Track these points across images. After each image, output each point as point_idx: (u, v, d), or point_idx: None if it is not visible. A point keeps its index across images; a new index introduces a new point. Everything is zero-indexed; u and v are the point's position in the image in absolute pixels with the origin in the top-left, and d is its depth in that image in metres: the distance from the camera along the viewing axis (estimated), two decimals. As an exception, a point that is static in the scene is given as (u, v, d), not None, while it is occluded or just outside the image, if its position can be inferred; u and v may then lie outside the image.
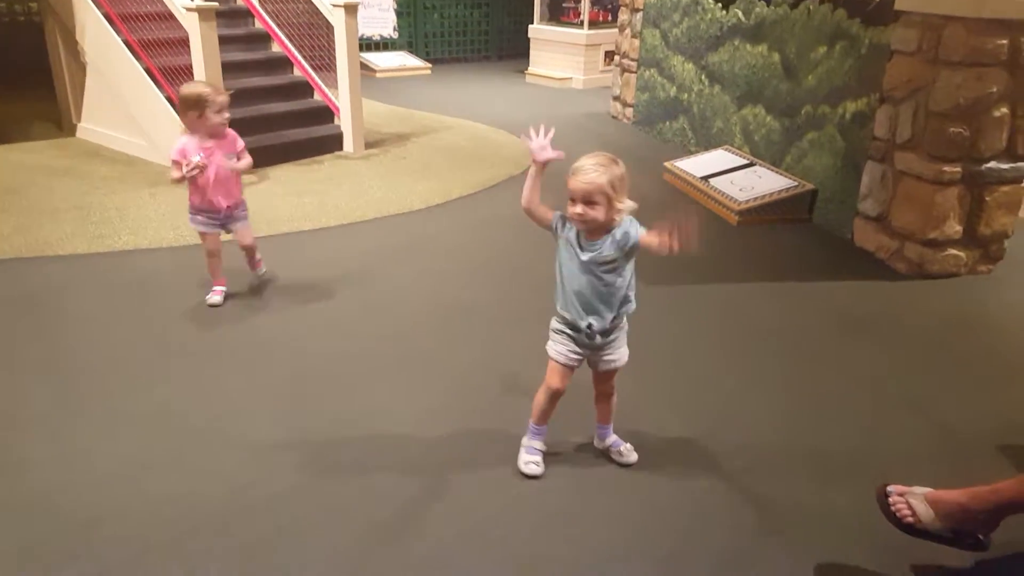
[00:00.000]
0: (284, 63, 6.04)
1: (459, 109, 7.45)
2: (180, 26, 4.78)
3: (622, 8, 7.10)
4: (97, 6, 5.15)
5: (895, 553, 1.91)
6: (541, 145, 1.95)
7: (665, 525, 2.01)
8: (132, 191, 4.64)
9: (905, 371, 2.87)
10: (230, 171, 3.02)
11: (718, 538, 1.97)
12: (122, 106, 5.32)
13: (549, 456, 2.25)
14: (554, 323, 2.10)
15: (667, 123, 6.37)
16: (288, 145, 5.46)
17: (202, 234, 3.11)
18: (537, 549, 1.92)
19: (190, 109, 2.90)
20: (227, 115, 2.97)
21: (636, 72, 6.77)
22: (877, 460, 2.32)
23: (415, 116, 7.16)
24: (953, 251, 3.71)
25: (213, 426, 2.38)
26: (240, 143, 3.09)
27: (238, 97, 5.23)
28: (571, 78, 9.12)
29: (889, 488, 1.89)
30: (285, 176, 5.09)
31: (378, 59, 9.63)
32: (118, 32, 5.13)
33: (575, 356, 2.07)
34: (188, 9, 4.60)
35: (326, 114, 5.86)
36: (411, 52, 10.20)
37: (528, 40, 9.61)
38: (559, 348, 2.08)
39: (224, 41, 5.02)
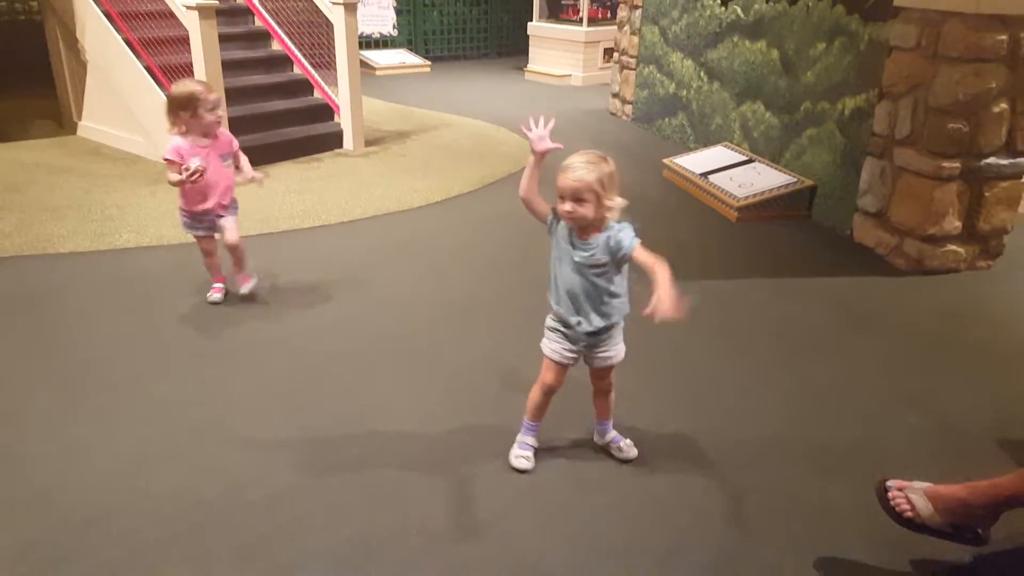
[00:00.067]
0: (284, 61, 6.04)
1: (459, 106, 7.45)
2: (180, 24, 4.78)
3: (621, 5, 7.09)
4: (97, 4, 5.15)
5: (894, 547, 1.92)
6: (540, 135, 1.95)
7: (664, 521, 2.02)
8: (133, 189, 4.64)
9: (904, 366, 2.88)
10: (226, 171, 2.98)
11: (717, 534, 1.98)
12: (123, 104, 5.32)
13: (548, 452, 2.26)
14: (549, 320, 2.11)
15: (666, 120, 6.37)
16: (288, 143, 5.46)
17: (195, 236, 3.10)
18: (536, 545, 1.92)
19: (182, 109, 2.83)
20: (220, 112, 2.92)
21: (635, 69, 6.77)
22: (876, 455, 2.33)
23: (415, 114, 7.16)
24: (952, 247, 3.72)
25: (213, 424, 2.39)
26: (235, 143, 3.05)
27: (238, 95, 5.29)
28: (570, 75, 9.11)
29: (888, 483, 1.90)
30: (285, 174, 5.09)
31: (378, 57, 9.63)
32: (118, 30, 5.13)
33: (569, 354, 2.08)
34: (188, 7, 4.60)
35: (326, 112, 5.86)
36: (411, 50, 10.19)
37: (527, 37, 9.60)
38: (553, 346, 2.09)
39: (224, 39, 5.02)
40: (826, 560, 1.90)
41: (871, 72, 3.94)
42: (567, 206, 1.91)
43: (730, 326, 3.18)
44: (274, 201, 4.51)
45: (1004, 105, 3.49)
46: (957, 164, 3.55)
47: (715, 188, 4.70)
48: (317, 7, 5.64)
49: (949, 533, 1.83)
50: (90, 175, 4.92)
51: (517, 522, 2.00)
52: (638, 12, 6.62)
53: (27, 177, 4.83)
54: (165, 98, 2.90)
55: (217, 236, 3.12)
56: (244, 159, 3.11)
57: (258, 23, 6.13)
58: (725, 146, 5.33)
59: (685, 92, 6.03)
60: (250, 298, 3.20)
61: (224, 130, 3.01)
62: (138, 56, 5.07)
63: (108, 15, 5.15)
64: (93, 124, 5.74)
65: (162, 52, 5.07)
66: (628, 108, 7.03)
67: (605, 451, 2.28)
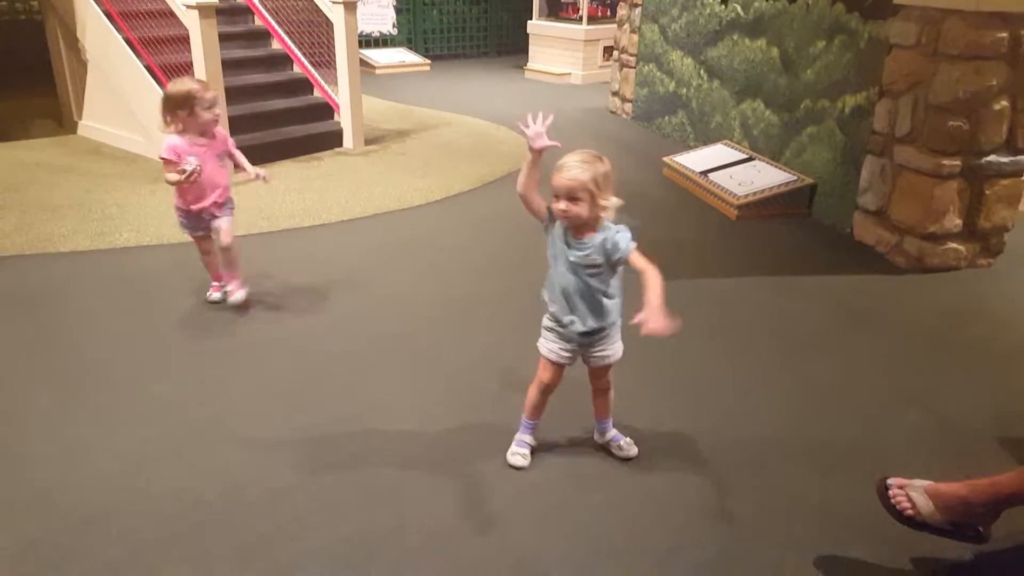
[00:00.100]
0: (284, 60, 6.04)
1: (458, 105, 7.44)
2: (180, 23, 4.78)
3: (621, 3, 7.08)
4: (98, 4, 5.16)
5: (895, 545, 1.92)
6: (537, 133, 1.94)
7: (663, 520, 2.02)
8: (133, 188, 4.64)
9: (904, 364, 2.88)
10: (221, 169, 2.96)
11: (716, 532, 1.98)
12: (123, 103, 5.32)
13: (547, 451, 2.26)
14: (545, 320, 2.11)
15: (666, 118, 6.36)
16: (288, 142, 5.46)
17: (192, 236, 3.08)
18: (535, 544, 1.92)
19: (179, 107, 2.80)
20: (217, 111, 2.89)
21: (635, 67, 6.77)
22: (876, 453, 2.33)
23: (414, 112, 7.16)
24: (953, 245, 3.71)
25: (213, 423, 2.39)
26: (231, 142, 3.02)
27: (238, 94, 5.28)
28: (570, 74, 9.10)
29: (889, 481, 1.90)
30: (285, 172, 5.09)
31: (377, 56, 9.62)
32: (119, 30, 5.13)
33: (564, 354, 2.09)
34: (188, 7, 4.60)
35: (326, 111, 5.86)
36: (410, 48, 10.18)
37: (527, 36, 9.59)
38: (549, 345, 2.10)
39: (224, 38, 5.02)
40: (826, 558, 1.90)
41: (871, 70, 3.94)
42: (561, 205, 1.91)
43: (730, 324, 3.18)
44: (274, 200, 4.51)
45: (1004, 103, 3.49)
46: (957, 162, 3.55)
47: (715, 186, 4.70)
48: (317, 6, 5.64)
49: (950, 531, 1.82)
50: (90, 174, 4.92)
51: (516, 521, 2.00)
52: (638, 10, 6.62)
53: (27, 176, 4.83)
54: (161, 96, 2.85)
55: (213, 236, 3.11)
56: (242, 157, 3.09)
57: (258, 22, 6.12)
58: (725, 144, 5.32)
59: (685, 90, 6.03)
60: (243, 307, 3.12)
61: (220, 129, 2.99)
62: (138, 55, 5.07)
63: (108, 14, 5.15)
64: (93, 123, 5.74)
65: (162, 51, 5.07)
66: (628, 106, 7.02)
67: (605, 450, 2.28)
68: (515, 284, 3.46)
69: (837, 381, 2.74)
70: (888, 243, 3.88)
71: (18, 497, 2.04)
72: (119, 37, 5.11)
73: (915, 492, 1.85)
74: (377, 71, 9.30)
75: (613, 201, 1.94)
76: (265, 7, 6.00)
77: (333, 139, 5.74)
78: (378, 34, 10.02)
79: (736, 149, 5.17)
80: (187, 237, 3.18)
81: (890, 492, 1.87)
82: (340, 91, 5.67)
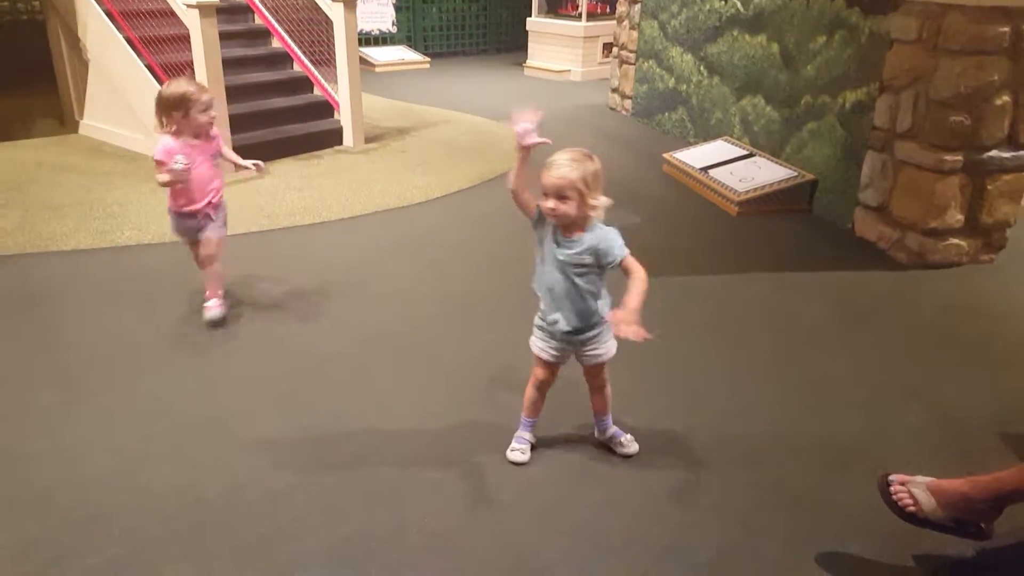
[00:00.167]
0: (284, 59, 6.04)
1: (458, 103, 7.43)
2: (181, 23, 4.78)
3: (620, 0, 7.07)
4: (99, 4, 5.16)
5: (896, 542, 1.91)
6: (526, 130, 1.90)
7: (662, 517, 2.02)
8: (134, 187, 4.64)
9: (906, 360, 2.88)
10: (216, 170, 2.92)
11: (716, 529, 1.98)
12: (124, 102, 5.33)
13: (547, 449, 2.26)
14: (536, 319, 2.12)
15: (666, 114, 6.35)
16: (288, 140, 5.46)
17: (186, 242, 3.02)
18: (535, 541, 1.92)
19: (174, 109, 2.75)
20: (213, 113, 2.85)
21: (635, 64, 6.75)
22: (878, 449, 2.32)
23: (414, 110, 7.15)
24: (954, 240, 3.70)
25: (214, 422, 2.39)
26: (219, 142, 2.95)
27: (239, 93, 5.28)
28: (569, 70, 9.09)
29: (891, 477, 1.89)
30: (285, 171, 5.09)
31: (377, 54, 9.61)
32: (120, 29, 5.14)
33: (553, 351, 2.10)
34: (189, 6, 4.60)
35: (326, 109, 5.86)
36: (410, 46, 10.17)
37: (526, 33, 9.58)
38: (540, 344, 2.11)
39: (224, 37, 5.01)
40: (827, 555, 1.89)
41: (872, 65, 3.93)
42: (550, 203, 1.91)
43: (730, 321, 3.17)
44: (275, 198, 4.51)
45: (1006, 98, 3.48)
46: (959, 157, 3.54)
47: (715, 183, 4.69)
48: (316, 4, 5.63)
49: (952, 527, 1.82)
50: (92, 173, 4.92)
51: (516, 518, 2.00)
52: (637, 7, 6.60)
53: (29, 175, 4.83)
54: (156, 97, 2.80)
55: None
56: (232, 154, 3.04)
57: (258, 21, 6.12)
58: (725, 140, 5.31)
59: (685, 86, 6.01)
60: (255, 289, 3.10)
61: (216, 130, 2.94)
62: (139, 55, 5.08)
63: (109, 14, 5.16)
64: (94, 122, 5.75)
65: (163, 50, 5.08)
66: (627, 103, 7.01)
67: (605, 447, 2.28)
68: (515, 282, 3.45)
69: (838, 377, 2.74)
70: (889, 239, 3.87)
71: (19, 495, 2.04)
72: (120, 36, 5.11)
73: (917, 488, 1.84)
74: (377, 69, 9.29)
75: (602, 200, 1.94)
76: (265, 6, 5.99)
77: (333, 137, 5.74)
78: (378, 32, 10.01)
79: (736, 145, 5.16)
80: (186, 237, 3.16)
81: (892, 488, 1.87)
82: (340, 89, 5.66)
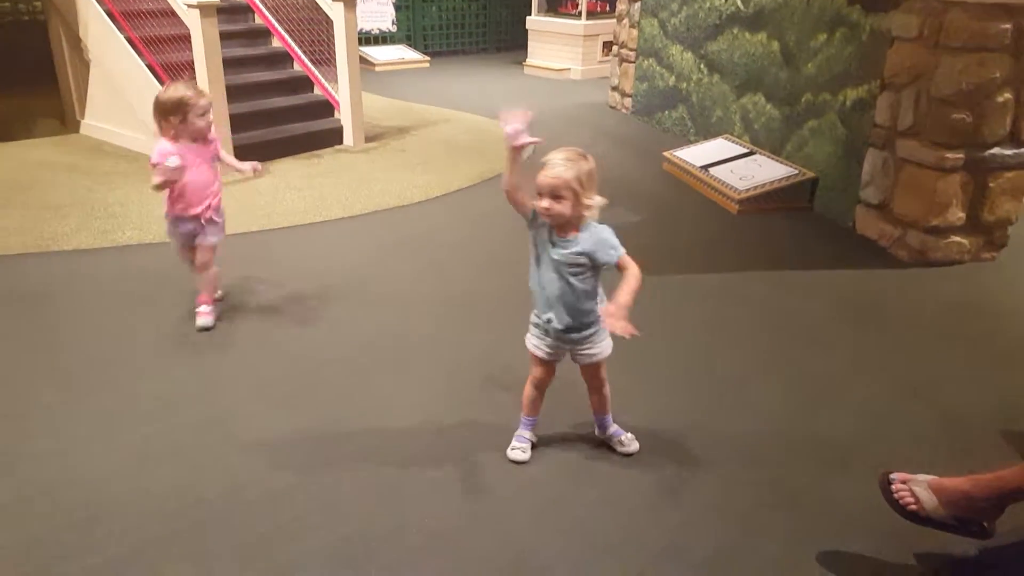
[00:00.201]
0: (284, 58, 6.04)
1: (457, 102, 7.43)
2: (182, 23, 4.79)
3: (621, -2, 7.06)
4: (100, 4, 5.18)
5: (898, 541, 1.91)
6: (515, 131, 1.88)
7: (662, 516, 2.01)
8: (135, 186, 4.64)
9: (907, 358, 2.87)
10: (214, 175, 2.89)
11: (715, 528, 1.97)
12: (125, 102, 5.33)
13: (547, 448, 2.25)
14: (532, 316, 2.12)
15: (666, 112, 6.34)
16: (289, 139, 5.46)
17: (177, 244, 2.95)
18: (534, 539, 1.92)
19: (171, 114, 2.72)
20: (211, 118, 2.81)
21: (634, 62, 6.74)
22: (878, 448, 2.32)
23: (414, 109, 7.15)
24: (956, 238, 3.70)
25: (214, 421, 2.39)
26: (217, 145, 2.92)
27: (239, 92, 5.28)
28: (569, 69, 9.08)
29: (892, 475, 1.88)
30: (286, 170, 5.09)
31: (377, 53, 9.61)
32: (120, 29, 5.14)
33: (548, 349, 2.10)
34: (189, 6, 4.60)
35: (326, 108, 5.86)
36: (409, 45, 10.17)
37: (526, 32, 9.57)
38: (533, 341, 2.11)
39: (225, 37, 5.01)
40: (828, 554, 1.89)
41: (873, 63, 3.92)
42: (544, 203, 1.91)
43: (731, 319, 3.17)
44: (275, 197, 4.51)
45: (1008, 95, 3.47)
46: (960, 155, 3.53)
47: (716, 181, 4.69)
48: (317, 4, 5.64)
49: (954, 526, 1.81)
50: (93, 173, 4.92)
51: (516, 517, 2.00)
52: (637, 5, 6.59)
53: (30, 175, 4.84)
54: (154, 102, 2.76)
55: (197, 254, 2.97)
56: (230, 158, 3.00)
57: (258, 20, 6.12)
58: (726, 138, 5.30)
59: (685, 85, 6.01)
60: (255, 288, 3.12)
61: (213, 135, 2.90)
62: (140, 54, 5.09)
63: (111, 14, 5.17)
64: (96, 122, 5.76)
65: (164, 50, 5.09)
66: (627, 101, 7.00)
67: (605, 445, 2.27)
68: (515, 281, 3.43)
69: (839, 375, 2.73)
70: (891, 237, 3.87)
71: (21, 495, 2.04)
72: (121, 36, 5.12)
73: (918, 487, 1.84)
74: (377, 68, 9.28)
75: (597, 200, 1.94)
76: (265, 5, 6.00)
77: (333, 136, 5.74)
78: (378, 31, 10.01)
79: (737, 143, 5.15)
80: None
81: (893, 487, 1.86)
82: (340, 88, 5.67)
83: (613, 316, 1.84)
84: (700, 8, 5.66)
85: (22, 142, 5.62)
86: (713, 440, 2.33)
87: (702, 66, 5.73)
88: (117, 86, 5.35)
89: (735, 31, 5.25)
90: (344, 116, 5.73)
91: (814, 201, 4.48)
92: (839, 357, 2.86)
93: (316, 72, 5.92)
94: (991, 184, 3.61)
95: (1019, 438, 2.39)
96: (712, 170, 4.82)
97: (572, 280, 1.98)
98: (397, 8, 10.07)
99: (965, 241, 3.71)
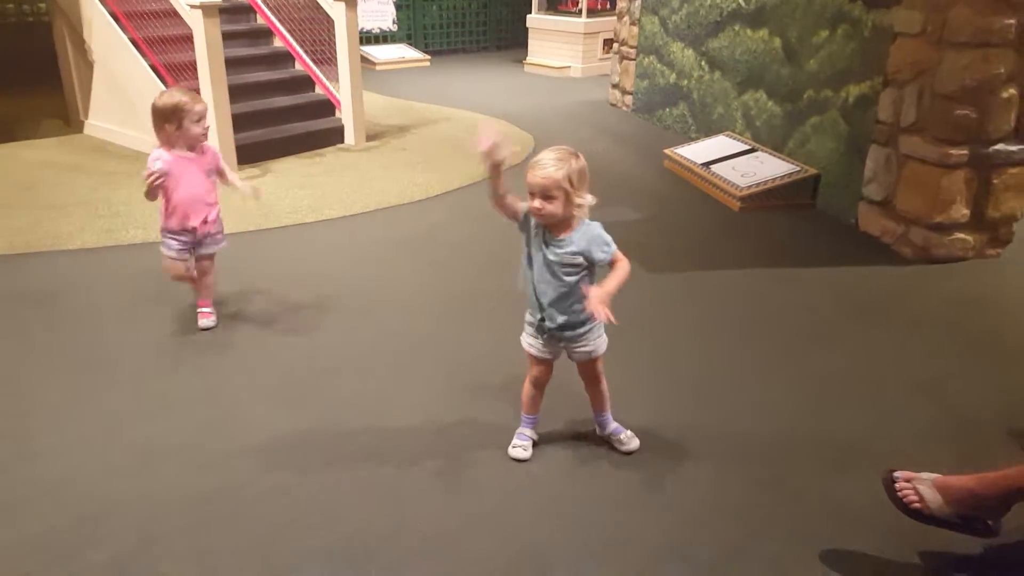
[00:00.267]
0: (286, 58, 6.05)
1: (458, 100, 7.42)
2: (184, 23, 4.80)
3: (622, -5, 7.05)
4: (103, 5, 5.19)
5: (902, 539, 1.90)
6: (493, 144, 1.85)
7: (664, 514, 2.00)
8: (139, 186, 4.58)
9: (911, 356, 2.85)
10: (212, 186, 2.83)
11: (718, 526, 1.96)
12: (128, 102, 5.35)
13: (547, 446, 2.25)
14: (527, 315, 2.12)
15: (667, 110, 6.33)
16: (290, 139, 5.47)
17: (171, 259, 2.84)
18: (534, 538, 1.91)
19: (167, 121, 2.67)
20: (207, 124, 2.77)
21: (635, 59, 6.73)
22: (882, 446, 2.31)
23: (415, 108, 7.14)
24: (960, 235, 3.68)
25: (217, 420, 2.39)
26: (219, 158, 2.87)
27: (241, 92, 5.29)
28: (570, 67, 9.07)
29: (896, 474, 1.88)
30: (287, 169, 5.10)
31: (378, 52, 9.61)
32: (124, 30, 5.16)
33: (542, 347, 2.10)
34: (192, 7, 4.61)
35: (327, 107, 5.86)
36: (410, 44, 10.17)
37: (526, 30, 9.56)
38: (529, 340, 2.12)
39: (227, 37, 5.02)
40: (831, 553, 1.88)
41: (875, 59, 3.90)
42: (536, 203, 1.90)
43: (732, 317, 3.16)
44: (276, 196, 4.51)
45: (1012, 91, 3.45)
46: (964, 151, 3.51)
47: (717, 178, 4.67)
48: (318, 3, 5.65)
49: (958, 524, 1.80)
50: (97, 172, 4.93)
51: (515, 516, 1.99)
52: (638, 2, 6.58)
53: (35, 175, 4.85)
54: (151, 109, 2.72)
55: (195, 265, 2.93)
56: (232, 174, 2.93)
57: (260, 20, 6.14)
58: (727, 136, 5.29)
59: (686, 82, 5.99)
60: (256, 288, 3.14)
61: (210, 145, 2.86)
62: (143, 55, 5.10)
63: (114, 15, 5.19)
64: (99, 122, 5.78)
65: (167, 50, 5.11)
66: (628, 99, 6.99)
67: (606, 443, 2.27)
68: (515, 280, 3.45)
69: (842, 373, 2.72)
70: (894, 234, 3.85)
71: (25, 493, 2.05)
72: (124, 37, 5.14)
73: (923, 485, 1.83)
74: (377, 67, 9.28)
75: (588, 199, 1.93)
76: (267, 5, 6.01)
77: (334, 135, 5.75)
78: (378, 31, 10.00)
79: (738, 140, 5.14)
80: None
81: (897, 485, 1.85)
82: (341, 88, 5.67)
83: (596, 299, 1.86)
84: (701, 5, 5.64)
85: (26, 142, 5.63)
86: (716, 437, 2.32)
87: (703, 63, 5.72)
88: (120, 86, 5.37)
89: (736, 28, 5.23)
90: (345, 115, 5.73)
91: (816, 198, 4.46)
92: (842, 354, 2.85)
93: (317, 71, 5.93)
94: (995, 180, 3.59)
95: (1024, 435, 2.38)
96: (713, 167, 4.81)
97: (567, 279, 1.97)
98: (398, 7, 10.06)
99: (969, 238, 3.69)
